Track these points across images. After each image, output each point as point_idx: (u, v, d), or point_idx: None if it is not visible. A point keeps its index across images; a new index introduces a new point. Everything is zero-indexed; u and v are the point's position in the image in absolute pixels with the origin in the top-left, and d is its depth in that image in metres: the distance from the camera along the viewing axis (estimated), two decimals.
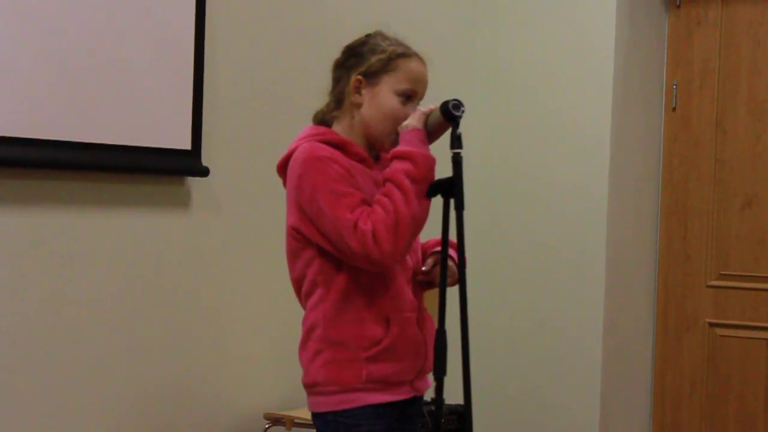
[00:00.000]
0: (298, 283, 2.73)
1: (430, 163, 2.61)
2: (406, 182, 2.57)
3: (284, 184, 2.74)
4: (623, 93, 4.97)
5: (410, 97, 2.72)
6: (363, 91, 2.72)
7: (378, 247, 2.54)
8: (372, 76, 2.71)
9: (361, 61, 2.73)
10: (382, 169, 2.69)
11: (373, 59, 2.72)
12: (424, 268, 2.76)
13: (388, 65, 2.71)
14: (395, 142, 2.68)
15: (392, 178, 2.59)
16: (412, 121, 2.65)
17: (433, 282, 2.76)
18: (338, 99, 2.77)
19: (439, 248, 2.75)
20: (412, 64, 2.72)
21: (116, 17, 3.63)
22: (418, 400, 2.80)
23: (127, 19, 3.66)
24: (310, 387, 2.71)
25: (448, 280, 2.69)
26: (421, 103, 2.76)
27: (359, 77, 2.72)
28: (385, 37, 2.77)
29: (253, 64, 4.15)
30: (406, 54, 2.73)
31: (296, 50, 4.29)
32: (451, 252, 2.70)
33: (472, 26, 5.19)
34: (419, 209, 2.58)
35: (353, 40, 2.81)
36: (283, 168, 2.74)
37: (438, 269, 2.72)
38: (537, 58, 5.08)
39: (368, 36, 2.79)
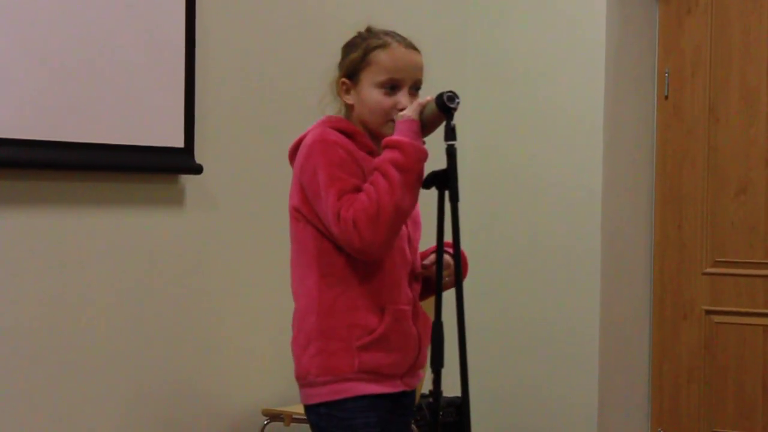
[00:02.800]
0: (295, 265, 2.74)
1: (420, 153, 2.60)
2: (393, 171, 2.57)
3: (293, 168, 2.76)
4: (615, 82, 4.97)
5: (395, 86, 2.71)
6: (351, 92, 2.74)
7: (358, 235, 2.55)
8: (353, 76, 2.73)
9: (343, 63, 2.76)
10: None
11: (350, 59, 2.73)
12: (425, 262, 2.77)
13: (363, 61, 2.71)
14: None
15: (379, 167, 2.60)
16: (408, 111, 2.65)
17: (431, 279, 2.77)
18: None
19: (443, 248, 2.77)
20: (389, 53, 2.70)
21: (107, 16, 3.62)
22: (409, 392, 2.80)
23: (118, 17, 3.65)
24: (302, 378, 2.70)
25: (447, 279, 2.70)
26: (420, 90, 2.75)
27: (344, 79, 2.74)
28: (369, 33, 2.77)
29: (244, 61, 4.15)
30: (382, 45, 2.71)
31: (288, 47, 4.28)
32: (449, 250, 2.70)
33: (465, 17, 5.19)
34: (403, 199, 2.57)
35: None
36: (293, 153, 2.76)
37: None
38: (529, 48, 5.08)
39: (357, 34, 2.79)
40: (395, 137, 2.62)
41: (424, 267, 2.77)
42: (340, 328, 2.65)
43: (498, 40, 5.16)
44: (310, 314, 2.68)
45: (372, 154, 2.70)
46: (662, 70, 5.20)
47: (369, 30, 2.78)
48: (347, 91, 2.74)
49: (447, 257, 2.72)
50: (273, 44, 4.26)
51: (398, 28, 2.85)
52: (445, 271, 2.72)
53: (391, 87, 2.70)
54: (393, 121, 2.68)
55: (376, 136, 2.73)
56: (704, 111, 5.09)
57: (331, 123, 2.72)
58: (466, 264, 2.75)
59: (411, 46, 2.74)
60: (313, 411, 2.71)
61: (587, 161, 4.92)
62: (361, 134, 2.71)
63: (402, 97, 2.70)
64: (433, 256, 2.77)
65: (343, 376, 2.65)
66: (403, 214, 2.60)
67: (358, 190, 2.60)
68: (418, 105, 2.65)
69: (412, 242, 2.77)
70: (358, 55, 2.72)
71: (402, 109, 2.68)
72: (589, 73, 4.92)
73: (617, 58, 4.98)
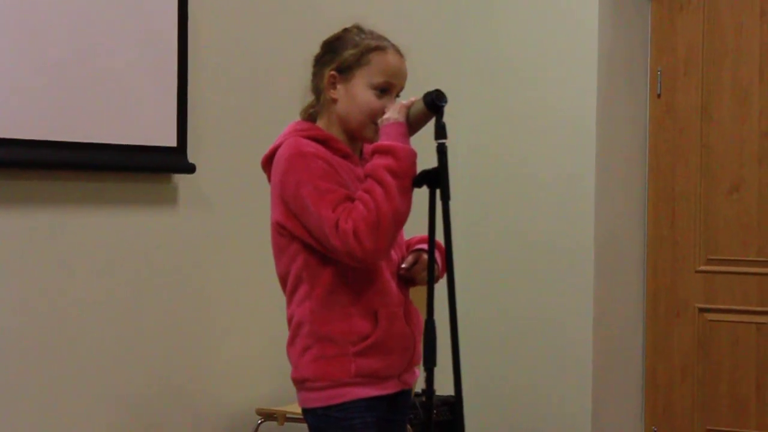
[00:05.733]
0: (283, 279, 2.73)
1: (412, 157, 2.60)
2: (388, 177, 2.56)
3: (269, 179, 2.74)
4: (608, 80, 4.98)
5: (386, 90, 2.70)
6: (338, 86, 2.71)
7: (360, 245, 2.53)
8: (346, 71, 2.70)
9: (335, 57, 2.72)
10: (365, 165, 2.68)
11: (346, 54, 2.70)
12: (404, 266, 2.75)
13: (361, 59, 2.69)
14: (376, 133, 2.68)
15: (373, 174, 2.58)
16: (393, 114, 2.64)
17: (413, 279, 2.76)
18: (317, 95, 2.77)
19: (420, 245, 2.76)
20: (387, 57, 2.70)
21: (99, 15, 3.62)
22: (406, 391, 2.80)
23: (110, 17, 3.65)
24: (300, 383, 2.70)
25: (423, 274, 2.70)
26: (402, 95, 2.75)
27: (333, 72, 2.71)
28: (360, 31, 2.75)
29: (236, 60, 4.15)
30: (380, 47, 2.71)
31: (280, 46, 4.28)
32: (435, 253, 2.70)
33: (458, 16, 5.19)
34: (401, 204, 2.57)
35: (331, 35, 2.80)
36: (267, 163, 2.74)
37: (418, 267, 2.74)
38: (521, 47, 5.08)
39: (344, 30, 2.78)
40: (386, 142, 2.60)
41: (404, 270, 2.76)
42: (336, 335, 2.65)
43: (491, 39, 5.16)
44: (305, 323, 2.67)
45: (346, 157, 2.70)
46: (655, 68, 5.20)
47: (359, 28, 2.77)
48: (334, 86, 2.73)
49: (424, 256, 2.72)
50: (266, 43, 4.26)
51: (392, 27, 2.86)
52: (421, 267, 2.73)
53: (383, 90, 2.70)
54: (375, 123, 2.68)
55: (354, 135, 2.73)
56: (697, 109, 5.10)
57: (303, 132, 2.70)
58: (443, 260, 2.75)
59: (401, 53, 2.75)
60: (310, 413, 2.71)
61: (580, 160, 4.92)
62: (335, 139, 2.70)
63: (390, 101, 2.70)
64: (410, 258, 2.76)
65: (341, 381, 2.65)
66: (402, 219, 2.60)
67: (349, 199, 2.59)
68: (403, 107, 2.64)
69: (397, 243, 2.77)
70: (356, 52, 2.70)
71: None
72: (581, 71, 4.92)
73: (610, 56, 4.98)
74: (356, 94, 2.70)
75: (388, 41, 2.75)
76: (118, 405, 3.74)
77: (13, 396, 3.45)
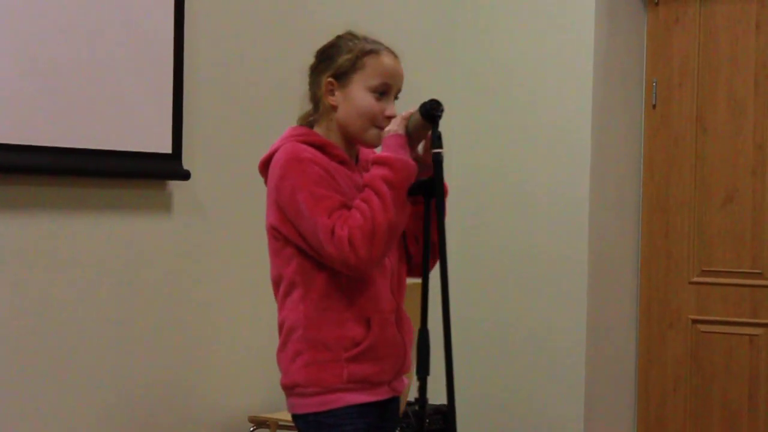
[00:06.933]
0: (276, 282, 2.73)
1: (409, 169, 2.61)
2: (384, 188, 2.57)
3: (265, 183, 2.74)
4: (603, 91, 4.98)
5: (384, 92, 2.71)
6: (336, 93, 2.72)
7: (354, 253, 2.54)
8: (342, 77, 2.71)
9: (331, 63, 2.73)
10: (362, 172, 2.69)
11: (341, 60, 2.72)
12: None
13: (356, 64, 2.70)
14: (378, 138, 2.69)
15: (371, 184, 2.59)
16: (393, 126, 2.65)
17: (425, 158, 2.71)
18: (315, 103, 2.78)
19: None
20: (382, 59, 2.71)
21: (95, 22, 3.62)
22: (396, 398, 2.80)
23: (106, 23, 3.65)
24: (290, 389, 2.70)
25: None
26: (398, 106, 2.75)
27: (330, 79, 2.72)
28: (354, 37, 2.77)
29: (232, 68, 4.15)
30: (374, 50, 2.72)
31: (276, 53, 4.29)
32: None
33: (452, 25, 5.20)
34: (396, 215, 2.57)
35: (325, 43, 2.81)
36: (264, 167, 2.74)
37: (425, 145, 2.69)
38: (517, 56, 5.09)
39: (338, 37, 2.79)
40: (384, 153, 2.62)
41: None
42: (328, 340, 2.65)
43: (486, 49, 5.17)
44: (297, 328, 2.67)
45: (343, 163, 2.70)
46: (650, 79, 5.21)
47: (352, 34, 2.78)
48: (332, 92, 2.74)
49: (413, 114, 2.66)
50: (262, 51, 4.26)
51: (386, 36, 2.86)
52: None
53: (381, 92, 2.71)
54: (376, 127, 2.69)
55: (355, 140, 2.74)
56: (692, 120, 5.10)
57: (300, 136, 2.70)
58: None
59: (395, 55, 2.76)
60: (301, 419, 2.71)
61: (575, 170, 4.92)
62: (332, 145, 2.70)
63: (389, 103, 2.71)
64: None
65: (332, 387, 2.65)
66: (397, 230, 2.61)
67: (345, 206, 2.60)
68: (402, 119, 2.66)
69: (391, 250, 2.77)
70: (350, 57, 2.71)
71: (390, 117, 2.68)
72: (577, 82, 4.93)
73: (605, 67, 4.99)
74: (355, 99, 2.70)
75: (382, 44, 2.76)
76: (111, 410, 3.73)
77: (8, 400, 3.45)
